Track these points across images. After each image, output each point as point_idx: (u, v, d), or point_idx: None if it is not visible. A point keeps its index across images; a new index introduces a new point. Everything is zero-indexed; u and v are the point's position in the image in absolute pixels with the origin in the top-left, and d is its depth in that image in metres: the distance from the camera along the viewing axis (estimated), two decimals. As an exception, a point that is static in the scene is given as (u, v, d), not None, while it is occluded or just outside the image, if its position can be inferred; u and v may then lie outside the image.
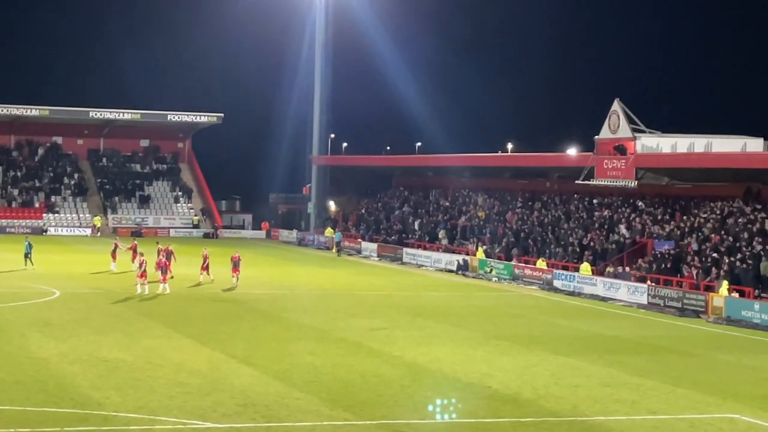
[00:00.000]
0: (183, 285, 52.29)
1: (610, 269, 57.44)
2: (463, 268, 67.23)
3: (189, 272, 55.97)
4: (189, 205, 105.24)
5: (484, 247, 70.11)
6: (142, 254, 51.35)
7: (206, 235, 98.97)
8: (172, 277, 51.27)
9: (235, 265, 53.59)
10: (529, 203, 75.89)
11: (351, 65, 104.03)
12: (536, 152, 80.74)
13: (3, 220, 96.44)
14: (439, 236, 78.24)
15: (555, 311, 49.20)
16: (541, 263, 61.52)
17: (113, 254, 58.99)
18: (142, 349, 32.77)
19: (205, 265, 53.72)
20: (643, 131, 60.01)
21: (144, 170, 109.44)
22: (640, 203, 65.26)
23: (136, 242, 60.03)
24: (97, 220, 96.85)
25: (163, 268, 49.59)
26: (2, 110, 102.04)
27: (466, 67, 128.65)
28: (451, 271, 68.18)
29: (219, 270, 54.94)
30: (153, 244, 57.88)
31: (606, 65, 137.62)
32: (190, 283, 53.13)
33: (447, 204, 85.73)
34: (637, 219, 63.16)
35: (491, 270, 65.28)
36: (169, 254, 53.23)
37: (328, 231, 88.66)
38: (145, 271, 48.22)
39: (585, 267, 58.42)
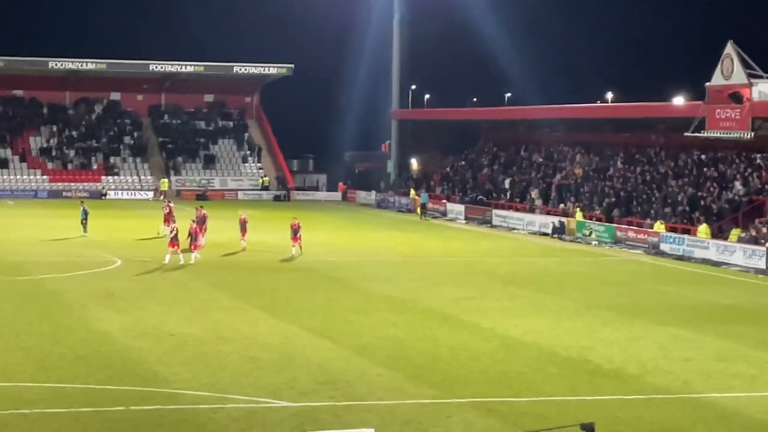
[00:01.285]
0: (253, 253, 52.69)
1: (739, 233, 55.85)
2: (559, 231, 66.88)
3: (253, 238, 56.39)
4: (258, 165, 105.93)
5: (580, 206, 69.70)
6: (174, 221, 51.68)
7: (277, 198, 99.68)
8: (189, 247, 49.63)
9: (295, 233, 52.81)
10: (632, 159, 75.12)
11: (432, 9, 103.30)
12: (639, 102, 79.76)
13: (59, 184, 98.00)
14: (533, 196, 77.89)
15: (662, 277, 48.80)
16: (659, 226, 60.45)
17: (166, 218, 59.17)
18: (211, 322, 33.16)
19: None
20: (760, 76, 58.95)
21: (209, 128, 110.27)
22: (757, 157, 64.24)
23: (172, 205, 60.12)
24: (164, 183, 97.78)
25: (193, 235, 48.82)
26: (56, 64, 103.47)
27: (560, 8, 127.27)
28: (545, 235, 67.88)
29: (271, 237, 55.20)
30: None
31: (717, 2, 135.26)
32: (263, 250, 53.50)
33: (541, 161, 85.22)
34: (754, 174, 62.19)
35: (590, 233, 64.86)
36: (203, 219, 53.16)
37: (412, 192, 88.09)
38: (175, 238, 47.80)
39: (703, 229, 57.57)
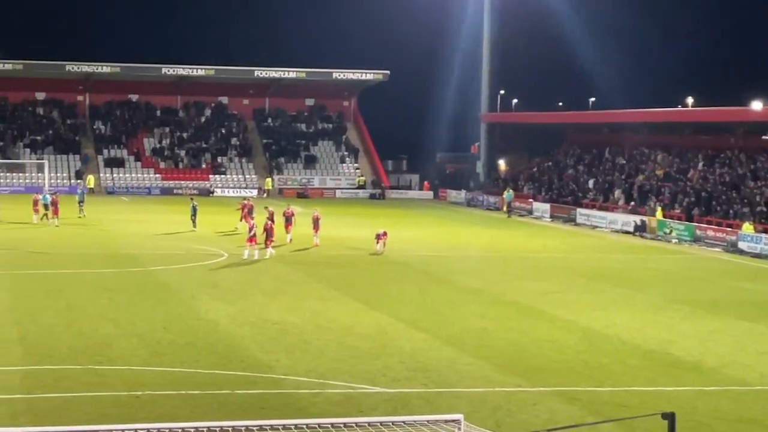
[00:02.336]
0: (349, 248, 52.92)
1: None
2: (640, 230, 66.17)
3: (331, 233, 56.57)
4: (355, 165, 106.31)
5: (661, 206, 68.84)
6: (253, 218, 51.70)
7: (372, 196, 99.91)
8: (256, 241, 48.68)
9: (288, 221, 53.06)
10: (712, 161, 74.04)
11: (521, 17, 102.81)
12: (718, 106, 78.59)
13: (170, 182, 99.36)
14: (615, 196, 77.16)
15: (740, 274, 48.05)
16: (747, 227, 59.22)
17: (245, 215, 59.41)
18: (310, 312, 33.38)
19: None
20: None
21: (309, 130, 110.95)
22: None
23: (251, 203, 59.80)
24: (268, 182, 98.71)
25: (269, 231, 48.35)
26: (168, 70, 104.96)
27: (642, 16, 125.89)
28: (627, 233, 67.18)
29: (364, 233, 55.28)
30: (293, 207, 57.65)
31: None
32: (358, 245, 53.67)
33: (623, 162, 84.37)
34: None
35: (671, 231, 64.04)
36: (289, 216, 53.40)
37: (509, 192, 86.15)
38: (254, 235, 47.41)
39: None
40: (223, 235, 57.04)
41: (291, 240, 52.79)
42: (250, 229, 48.02)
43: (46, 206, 61.93)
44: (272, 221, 50.36)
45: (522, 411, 22.43)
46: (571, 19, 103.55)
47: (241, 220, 58.45)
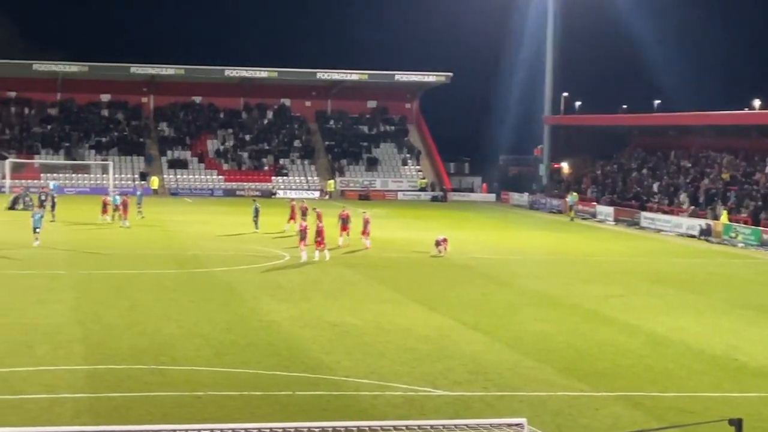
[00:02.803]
0: (410, 250, 52.92)
1: None
2: (705, 233, 65.46)
3: (410, 236, 56.56)
4: (417, 167, 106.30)
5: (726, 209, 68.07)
6: (305, 219, 51.35)
7: (434, 199, 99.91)
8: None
9: (344, 222, 52.48)
10: (779, 164, 73.11)
11: (584, 18, 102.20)
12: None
13: (233, 183, 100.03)
14: (680, 199, 76.41)
15: (808, 280, 47.35)
16: None
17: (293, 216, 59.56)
18: (371, 314, 33.39)
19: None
20: None
21: (371, 132, 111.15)
22: None
23: (305, 204, 59.61)
24: (330, 184, 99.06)
25: (319, 232, 47.25)
26: (231, 72, 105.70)
27: (708, 17, 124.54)
28: (692, 237, 66.50)
29: (427, 235, 55.12)
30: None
31: None
32: (419, 247, 53.66)
33: (689, 165, 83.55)
34: None
35: (737, 235, 63.30)
36: (345, 219, 52.89)
37: (573, 195, 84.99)
38: (304, 237, 46.79)
39: None
40: (276, 237, 57.08)
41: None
42: (302, 231, 47.49)
43: (116, 207, 62.59)
44: (321, 222, 50.27)
45: (584, 415, 22.27)
46: (636, 20, 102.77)
47: (289, 222, 58.75)
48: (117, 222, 61.69)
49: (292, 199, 63.51)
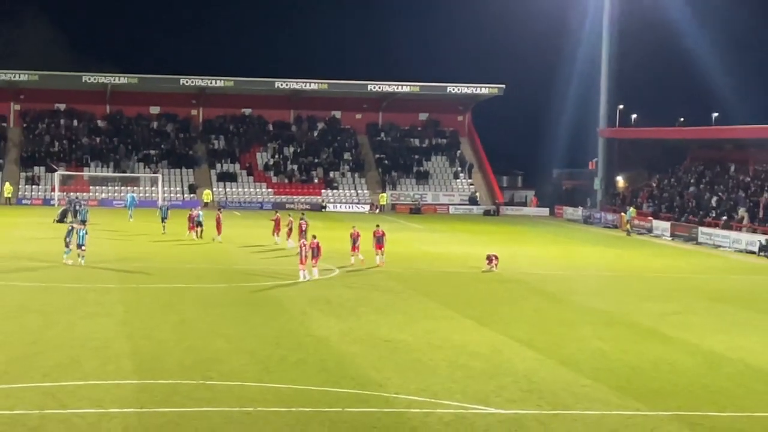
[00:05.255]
0: (462, 265, 52.84)
1: None
2: (766, 249, 64.82)
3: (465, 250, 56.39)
4: (468, 180, 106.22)
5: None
6: (305, 237, 50.01)
7: (486, 213, 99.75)
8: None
9: (378, 241, 51.15)
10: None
11: (640, 30, 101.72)
12: None
13: (283, 196, 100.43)
14: (740, 214, 75.74)
15: None
16: None
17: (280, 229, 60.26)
18: (421, 330, 33.36)
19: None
20: None
21: (422, 145, 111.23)
22: None
23: (306, 221, 57.74)
24: (383, 198, 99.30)
25: (315, 249, 45.08)
26: (282, 84, 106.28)
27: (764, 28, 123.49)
28: (752, 253, 65.90)
29: (479, 250, 55.04)
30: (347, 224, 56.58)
31: None
32: (471, 262, 53.57)
33: (748, 180, 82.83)
34: None
35: (798, 251, 62.66)
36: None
37: (631, 210, 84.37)
38: (303, 256, 44.52)
39: None
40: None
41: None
42: (301, 247, 45.32)
43: (199, 223, 62.49)
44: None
45: (640, 435, 22.11)
46: (693, 31, 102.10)
47: (274, 234, 60.02)
48: (205, 239, 61.32)
49: (295, 217, 61.62)
